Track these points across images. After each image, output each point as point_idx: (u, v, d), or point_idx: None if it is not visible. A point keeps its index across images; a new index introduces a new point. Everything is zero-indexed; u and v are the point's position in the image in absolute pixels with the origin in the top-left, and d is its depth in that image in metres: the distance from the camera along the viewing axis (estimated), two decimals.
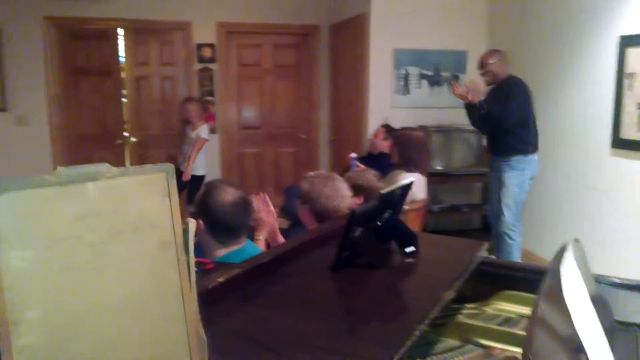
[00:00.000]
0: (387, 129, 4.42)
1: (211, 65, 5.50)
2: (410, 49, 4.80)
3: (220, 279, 1.01)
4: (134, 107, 5.47)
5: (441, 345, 1.06)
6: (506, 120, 3.53)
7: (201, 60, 5.46)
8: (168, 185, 0.66)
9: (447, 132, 4.81)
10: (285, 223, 2.89)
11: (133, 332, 0.62)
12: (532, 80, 3.82)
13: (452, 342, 1.07)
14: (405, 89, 4.88)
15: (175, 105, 5.44)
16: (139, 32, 5.34)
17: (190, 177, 4.71)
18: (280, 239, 2.21)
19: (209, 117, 5.43)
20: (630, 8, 3.33)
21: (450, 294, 1.06)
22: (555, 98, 4.04)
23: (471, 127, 3.98)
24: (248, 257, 1.28)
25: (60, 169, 0.58)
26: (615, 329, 1.04)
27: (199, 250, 1.80)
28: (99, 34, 5.28)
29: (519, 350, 1.01)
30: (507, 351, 1.02)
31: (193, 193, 3.47)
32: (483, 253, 1.33)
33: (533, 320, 0.76)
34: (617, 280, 1.25)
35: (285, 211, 3.31)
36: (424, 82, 4.91)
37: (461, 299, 1.20)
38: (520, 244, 3.75)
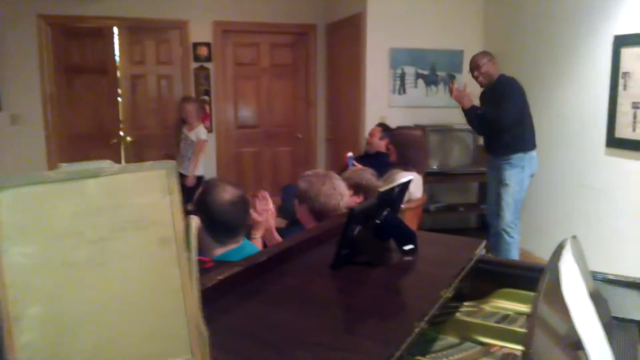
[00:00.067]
0: (383, 128, 4.42)
1: (207, 64, 5.49)
2: (406, 48, 4.81)
3: (220, 277, 1.01)
4: (129, 106, 5.45)
5: (440, 343, 1.06)
6: (504, 120, 3.54)
7: (197, 59, 5.45)
8: (169, 182, 0.66)
9: (443, 131, 4.82)
10: (283, 222, 2.88)
11: (134, 328, 0.62)
12: (527, 79, 3.83)
13: (451, 339, 1.08)
14: (402, 89, 4.89)
15: (171, 104, 5.42)
16: (135, 30, 5.32)
17: (194, 183, 4.47)
18: (277, 238, 2.20)
19: (205, 117, 5.41)
20: (625, 8, 3.35)
21: (449, 292, 1.06)
22: (550, 97, 4.06)
23: (467, 127, 3.99)
24: (246, 255, 1.28)
25: (62, 165, 0.58)
26: (613, 325, 1.05)
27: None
28: (94, 32, 5.25)
29: (517, 347, 1.02)
30: (505, 348, 1.03)
31: (191, 192, 3.44)
32: (481, 251, 1.33)
33: (533, 316, 0.76)
34: (613, 277, 1.26)
35: (282, 210, 3.31)
36: (420, 82, 4.92)
37: (460, 297, 1.21)
38: (519, 242, 3.76)
